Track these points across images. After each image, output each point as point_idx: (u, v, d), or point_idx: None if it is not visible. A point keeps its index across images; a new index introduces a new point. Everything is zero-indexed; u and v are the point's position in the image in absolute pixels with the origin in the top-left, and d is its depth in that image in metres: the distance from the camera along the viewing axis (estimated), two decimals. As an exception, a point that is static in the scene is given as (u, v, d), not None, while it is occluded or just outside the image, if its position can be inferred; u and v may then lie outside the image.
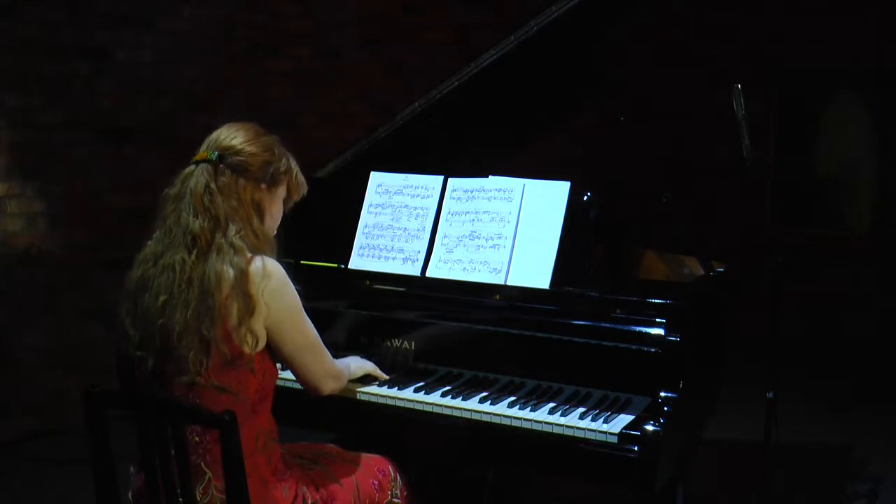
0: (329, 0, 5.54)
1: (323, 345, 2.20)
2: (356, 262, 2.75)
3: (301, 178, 2.24)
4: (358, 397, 2.46)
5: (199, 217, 2.02)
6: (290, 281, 2.08)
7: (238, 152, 2.09)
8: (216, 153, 2.09)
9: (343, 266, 2.76)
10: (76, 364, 4.54)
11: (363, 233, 2.76)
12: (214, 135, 2.14)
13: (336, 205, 2.82)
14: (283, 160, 2.17)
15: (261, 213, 2.12)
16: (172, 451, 1.91)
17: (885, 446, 4.40)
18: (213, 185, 2.05)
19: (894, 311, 6.02)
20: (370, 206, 2.78)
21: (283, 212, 2.23)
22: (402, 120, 2.89)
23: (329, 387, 2.24)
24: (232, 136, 2.12)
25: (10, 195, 4.39)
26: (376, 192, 2.79)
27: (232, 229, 2.03)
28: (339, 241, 2.77)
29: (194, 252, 2.00)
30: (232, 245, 2.01)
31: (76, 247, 4.60)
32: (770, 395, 2.96)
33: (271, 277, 2.02)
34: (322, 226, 2.80)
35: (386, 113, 3.25)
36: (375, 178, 2.81)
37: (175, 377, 1.99)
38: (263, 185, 2.13)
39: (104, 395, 1.95)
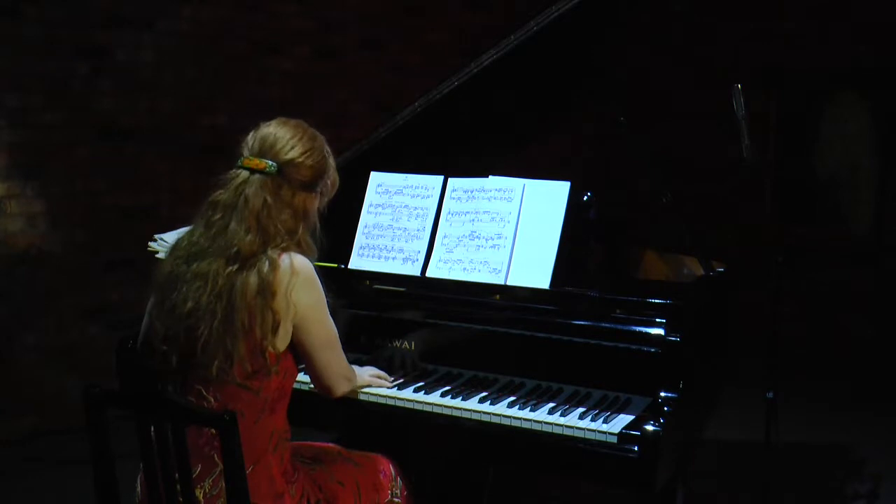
0: (329, 0, 5.54)
1: (341, 346, 2.22)
2: (356, 262, 2.75)
3: (336, 176, 2.23)
4: (358, 397, 2.45)
5: (251, 233, 2.00)
6: (317, 277, 2.09)
7: (299, 166, 2.08)
8: (275, 166, 2.05)
9: (343, 266, 2.76)
10: (76, 364, 4.55)
11: (363, 233, 2.76)
12: (269, 137, 2.09)
13: (336, 205, 2.81)
14: (331, 162, 2.18)
15: (308, 221, 2.13)
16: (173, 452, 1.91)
17: (885, 446, 4.40)
18: (270, 200, 2.03)
19: (894, 311, 6.02)
20: (370, 205, 2.78)
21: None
22: (402, 120, 2.88)
23: (343, 388, 2.26)
24: (290, 144, 2.08)
25: (10, 195, 4.40)
26: (376, 192, 2.79)
27: (275, 243, 2.02)
28: (338, 241, 2.77)
29: (234, 265, 1.98)
30: (269, 259, 2.00)
31: (76, 247, 4.60)
32: (770, 395, 2.96)
33: (298, 274, 2.03)
34: (322, 226, 2.79)
35: (386, 113, 3.25)
36: (375, 178, 2.81)
37: (197, 371, 2.01)
38: (314, 193, 2.14)
39: (104, 395, 1.95)
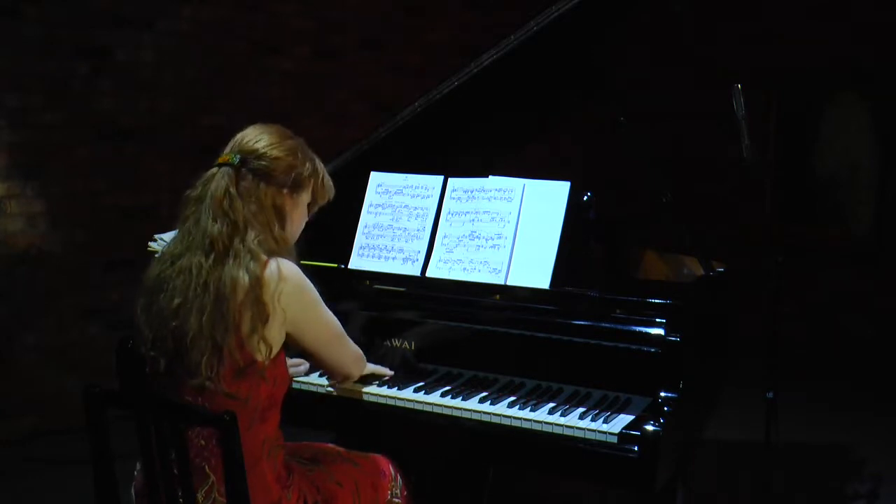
0: (329, 0, 5.54)
1: (344, 331, 2.24)
2: (356, 262, 2.75)
3: (328, 181, 2.22)
4: (358, 397, 2.46)
5: (218, 221, 2.00)
6: (306, 279, 2.07)
7: (261, 156, 2.07)
8: (238, 156, 2.06)
9: (343, 266, 2.76)
10: (76, 364, 4.55)
11: (363, 233, 2.76)
12: (239, 136, 2.11)
13: (336, 205, 2.81)
14: (308, 164, 2.14)
15: (282, 219, 2.11)
16: (173, 453, 1.91)
17: (885, 446, 4.40)
18: (233, 190, 2.03)
19: (894, 311, 6.02)
20: (370, 206, 2.78)
21: (308, 216, 2.21)
22: (402, 120, 2.88)
23: (358, 370, 2.32)
24: (256, 138, 2.09)
25: (10, 195, 4.40)
26: (376, 192, 2.79)
27: (251, 235, 2.01)
28: (338, 241, 2.77)
29: (212, 256, 1.98)
30: (249, 251, 1.98)
31: (76, 247, 4.61)
32: (770, 395, 2.96)
33: (286, 281, 2.01)
34: (322, 226, 2.80)
35: (386, 113, 3.25)
36: (375, 178, 2.81)
37: (186, 379, 1.98)
38: (286, 190, 2.11)
39: (104, 395, 1.95)
